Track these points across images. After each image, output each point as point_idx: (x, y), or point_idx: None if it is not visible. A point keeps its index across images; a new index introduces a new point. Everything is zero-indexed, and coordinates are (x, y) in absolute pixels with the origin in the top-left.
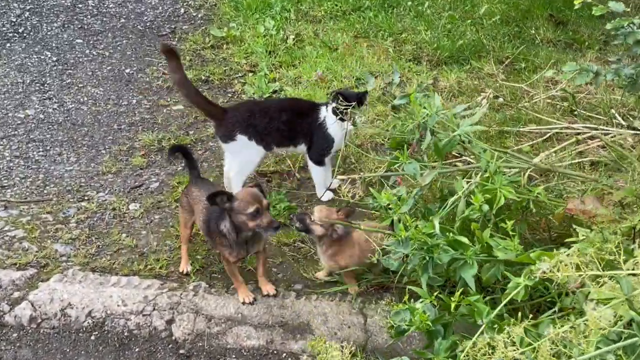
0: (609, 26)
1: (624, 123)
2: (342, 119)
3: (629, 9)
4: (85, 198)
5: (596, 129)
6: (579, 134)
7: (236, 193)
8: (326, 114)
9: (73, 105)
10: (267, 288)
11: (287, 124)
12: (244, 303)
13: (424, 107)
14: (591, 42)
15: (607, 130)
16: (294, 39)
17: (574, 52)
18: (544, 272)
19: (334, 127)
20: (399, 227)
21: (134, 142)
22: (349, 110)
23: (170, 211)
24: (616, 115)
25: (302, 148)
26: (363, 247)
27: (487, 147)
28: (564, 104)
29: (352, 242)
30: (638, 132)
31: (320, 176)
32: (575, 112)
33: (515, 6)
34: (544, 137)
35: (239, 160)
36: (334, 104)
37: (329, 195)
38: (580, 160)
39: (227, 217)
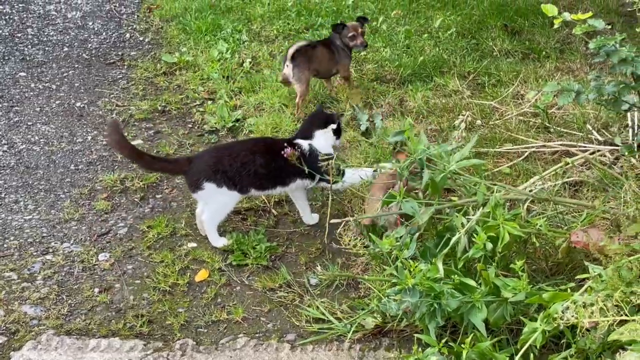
0: (591, 45)
1: (601, 139)
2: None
3: (609, 27)
4: (50, 250)
5: (575, 146)
6: (557, 151)
7: None
8: (310, 141)
9: (24, 146)
10: None
11: (265, 166)
12: None
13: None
14: (548, 50)
15: (586, 147)
16: (250, 62)
17: (532, 62)
18: (567, 319)
19: (326, 147)
20: (404, 274)
21: (95, 183)
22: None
23: (143, 260)
24: (593, 131)
25: (300, 184)
26: None
27: (481, 180)
28: (536, 120)
29: None
30: (618, 148)
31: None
32: (550, 129)
33: (468, 17)
34: (523, 157)
35: (211, 207)
36: (330, 126)
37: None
38: (564, 180)
39: None
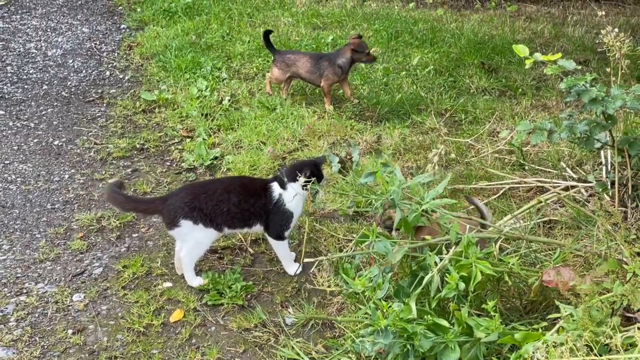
0: (562, 85)
1: (574, 176)
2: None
3: (579, 67)
4: (24, 291)
5: (548, 183)
6: (532, 188)
7: None
8: (282, 191)
9: (0, 185)
10: None
11: (237, 205)
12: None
13: (388, 182)
14: (524, 88)
15: (560, 183)
16: (229, 100)
17: (509, 99)
18: (538, 359)
19: (293, 202)
20: (376, 315)
21: (71, 222)
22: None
23: (118, 300)
24: (566, 168)
25: (257, 228)
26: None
27: (454, 217)
28: (511, 158)
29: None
30: (591, 185)
31: (286, 250)
32: (525, 167)
33: (446, 55)
34: (498, 194)
35: (188, 244)
36: (301, 179)
37: (298, 269)
38: (538, 220)
39: None
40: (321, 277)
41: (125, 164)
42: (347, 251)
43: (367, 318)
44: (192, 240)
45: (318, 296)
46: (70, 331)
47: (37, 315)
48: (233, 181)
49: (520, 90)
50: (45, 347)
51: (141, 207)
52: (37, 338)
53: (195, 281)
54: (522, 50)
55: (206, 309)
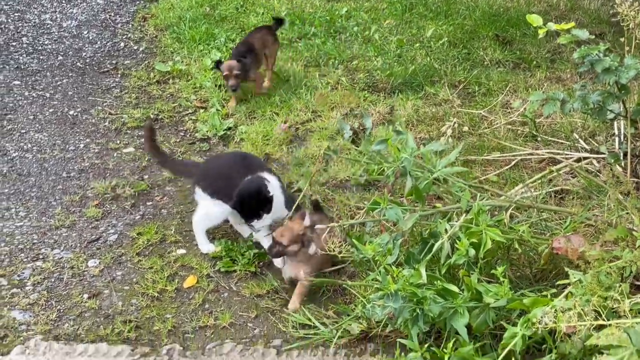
0: (576, 54)
1: (587, 147)
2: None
3: (593, 37)
4: (40, 257)
5: (561, 154)
6: (544, 159)
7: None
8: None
9: (17, 154)
10: None
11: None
12: None
13: (400, 150)
14: (539, 60)
15: (572, 155)
16: None
17: (523, 72)
18: (546, 323)
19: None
20: (386, 279)
21: (86, 191)
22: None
23: (132, 266)
24: (579, 139)
25: None
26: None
27: (466, 186)
28: (524, 129)
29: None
30: (604, 156)
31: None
32: (538, 138)
33: (460, 27)
34: (510, 165)
35: (200, 212)
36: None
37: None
38: (550, 189)
39: None
40: (332, 243)
41: (140, 133)
42: (358, 219)
43: (377, 283)
44: (204, 209)
45: (329, 264)
46: (85, 296)
47: (53, 280)
48: (246, 159)
49: (534, 62)
50: (62, 310)
51: (177, 168)
52: (53, 302)
53: (206, 247)
54: (535, 19)
55: (219, 276)
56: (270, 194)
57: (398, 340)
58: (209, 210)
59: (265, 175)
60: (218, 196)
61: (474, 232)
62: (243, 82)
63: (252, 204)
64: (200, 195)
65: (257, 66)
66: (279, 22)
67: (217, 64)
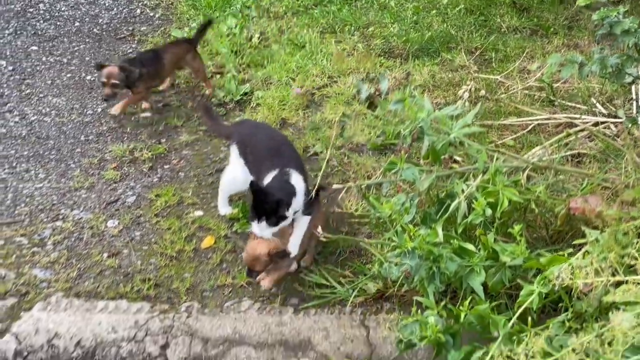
0: (595, 16)
1: (604, 111)
2: None
3: (616, 1)
4: (60, 217)
5: (578, 119)
6: (561, 124)
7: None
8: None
9: (36, 117)
10: None
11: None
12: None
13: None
14: (556, 27)
15: (590, 119)
16: (258, 38)
17: (540, 38)
18: (562, 280)
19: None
20: (403, 238)
21: (104, 154)
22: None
23: (151, 227)
24: (596, 104)
25: None
26: None
27: (482, 148)
28: (541, 94)
29: None
30: (621, 120)
31: None
32: (555, 102)
33: None
34: (527, 129)
35: (226, 174)
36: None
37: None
38: (567, 153)
39: None
40: (349, 201)
41: (157, 98)
42: (374, 179)
43: (393, 241)
44: (232, 173)
45: (346, 227)
46: (105, 255)
47: (73, 240)
48: (277, 137)
49: (551, 29)
50: (82, 269)
51: (219, 130)
52: (73, 261)
53: (224, 210)
54: None
55: (236, 236)
56: (285, 213)
57: (414, 298)
58: (237, 175)
59: (293, 173)
60: (247, 165)
61: (490, 192)
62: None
63: (265, 209)
64: (234, 155)
65: (156, 82)
66: (204, 28)
67: (99, 67)
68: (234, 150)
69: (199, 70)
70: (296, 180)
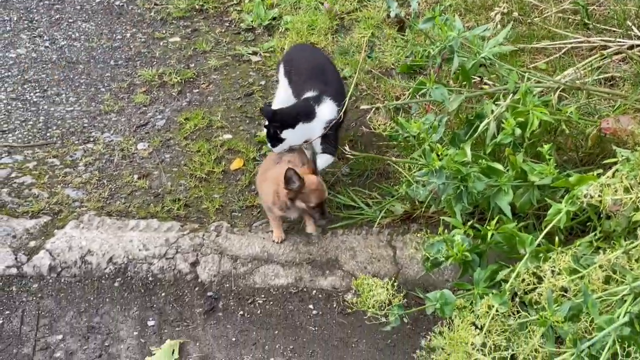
0: None
1: None
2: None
3: None
4: (91, 139)
5: (613, 42)
6: (595, 47)
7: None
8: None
9: (65, 42)
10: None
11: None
12: (274, 241)
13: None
14: None
15: (625, 42)
16: None
17: None
18: (591, 197)
19: None
20: (431, 156)
21: (134, 78)
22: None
23: (180, 149)
24: (632, 27)
25: None
26: None
27: (513, 68)
28: (576, 17)
29: None
30: None
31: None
32: (590, 26)
33: None
34: (561, 53)
35: (278, 92)
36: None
37: None
38: (600, 76)
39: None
40: (377, 121)
41: (185, 24)
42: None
43: (421, 160)
44: (278, 92)
45: (373, 150)
46: (135, 176)
47: (104, 162)
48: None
49: None
50: (113, 189)
51: None
52: (105, 181)
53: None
54: None
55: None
56: (279, 135)
57: (442, 218)
58: (281, 94)
59: (325, 101)
60: (291, 85)
61: (520, 112)
62: None
63: (280, 123)
64: (280, 74)
65: None
66: None
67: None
68: (280, 70)
69: None
70: (324, 108)
